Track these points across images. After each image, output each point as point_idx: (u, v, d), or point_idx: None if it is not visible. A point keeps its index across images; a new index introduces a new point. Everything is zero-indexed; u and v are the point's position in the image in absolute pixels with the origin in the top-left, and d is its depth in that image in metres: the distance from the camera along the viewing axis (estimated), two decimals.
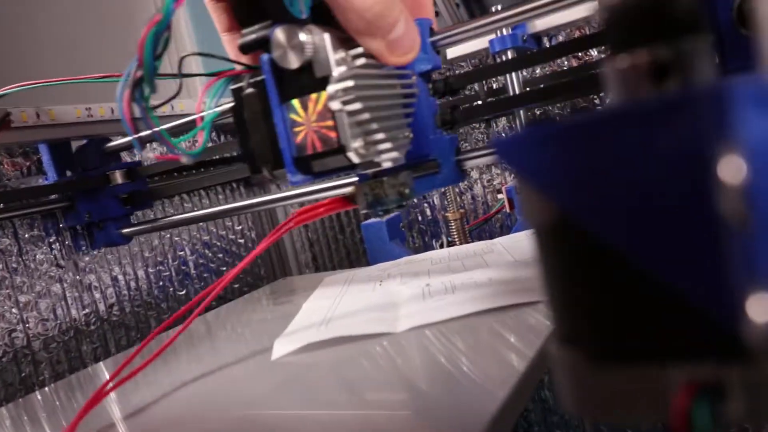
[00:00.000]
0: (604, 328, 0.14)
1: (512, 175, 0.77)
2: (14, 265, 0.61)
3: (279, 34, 0.30)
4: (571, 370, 0.15)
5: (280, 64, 0.31)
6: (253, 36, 0.32)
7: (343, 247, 0.97)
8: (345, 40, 0.32)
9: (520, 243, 0.57)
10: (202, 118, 0.32)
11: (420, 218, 0.88)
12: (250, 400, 0.35)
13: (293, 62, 0.30)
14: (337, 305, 0.50)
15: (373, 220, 0.75)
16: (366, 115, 0.31)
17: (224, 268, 0.86)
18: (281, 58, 0.31)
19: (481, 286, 0.44)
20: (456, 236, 0.75)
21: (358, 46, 0.32)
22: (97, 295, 0.69)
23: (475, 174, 0.82)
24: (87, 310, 0.68)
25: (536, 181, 0.15)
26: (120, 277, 0.71)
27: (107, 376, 0.49)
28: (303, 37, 0.30)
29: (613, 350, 0.14)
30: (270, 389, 0.36)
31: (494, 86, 0.78)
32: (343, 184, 0.47)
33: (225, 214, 0.55)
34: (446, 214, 0.76)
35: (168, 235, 0.76)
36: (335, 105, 0.31)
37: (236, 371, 0.41)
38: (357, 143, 0.31)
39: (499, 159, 0.16)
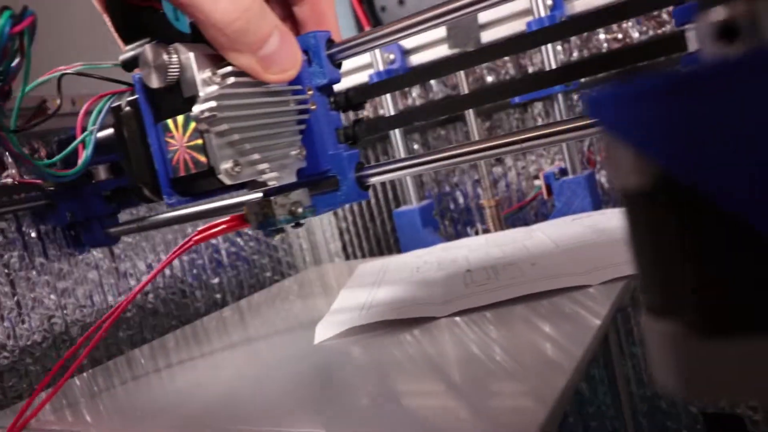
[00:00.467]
0: (715, 297, 0.13)
1: (551, 161, 0.75)
2: (53, 251, 0.61)
3: (147, 52, 0.30)
4: (674, 346, 0.14)
5: (146, 84, 0.30)
6: (131, 53, 0.32)
7: (374, 236, 0.97)
8: (220, 58, 0.31)
9: (561, 229, 0.55)
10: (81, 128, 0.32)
11: (452, 206, 0.86)
12: (292, 388, 0.35)
13: (155, 82, 0.30)
14: (376, 291, 0.48)
15: (405, 207, 0.73)
16: (235, 136, 0.31)
17: (255, 257, 0.86)
18: (146, 78, 0.30)
19: (524, 271, 0.43)
20: (491, 224, 0.73)
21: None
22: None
23: (509, 160, 0.81)
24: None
25: (635, 139, 0.14)
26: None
27: (143, 362, 0.49)
28: (166, 57, 0.29)
29: (727, 321, 0.13)
30: (314, 373, 0.36)
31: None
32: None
33: (217, 212, 0.48)
34: (480, 202, 0.75)
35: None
36: (201, 126, 0.30)
37: (278, 355, 0.41)
38: (227, 164, 0.30)
39: (591, 116, 0.14)
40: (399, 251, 0.79)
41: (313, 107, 0.36)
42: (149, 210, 0.65)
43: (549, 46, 0.60)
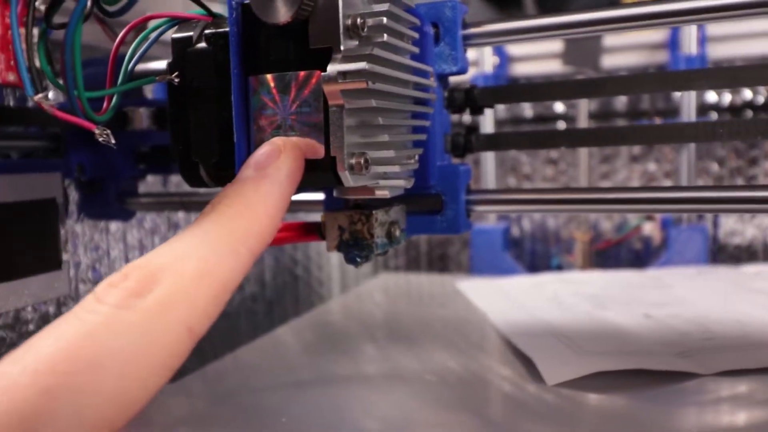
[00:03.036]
0: None
1: None
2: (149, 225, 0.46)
3: None
4: None
5: (258, 15, 0.20)
6: None
7: (411, 248, 0.81)
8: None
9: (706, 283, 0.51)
10: (113, 67, 0.21)
11: (528, 228, 0.76)
12: None
13: (282, 15, 0.20)
14: (546, 321, 0.43)
15: (484, 224, 0.68)
16: (378, 120, 0.21)
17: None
18: (264, 7, 0.20)
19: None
20: (579, 258, 0.66)
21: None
22: None
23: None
24: None
25: None
26: None
27: None
28: None
29: None
30: None
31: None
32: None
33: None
34: (574, 233, 0.67)
35: None
36: (335, 97, 0.20)
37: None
38: (354, 159, 0.20)
39: None
40: (444, 272, 0.74)
41: (433, 97, 0.27)
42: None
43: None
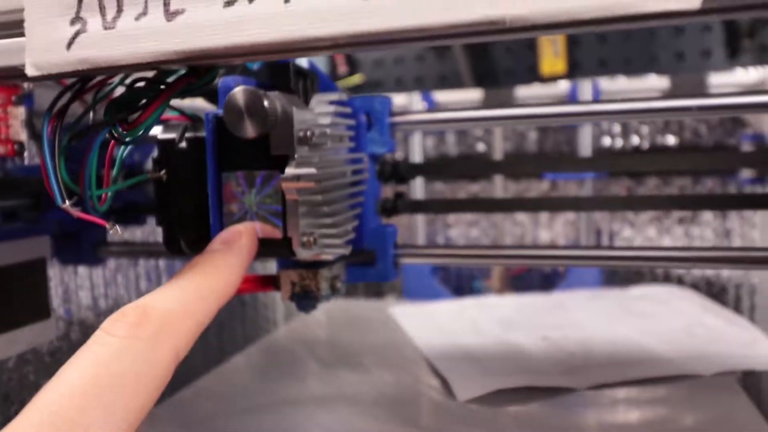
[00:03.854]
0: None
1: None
2: None
3: (238, 94, 0.25)
4: None
5: (231, 131, 0.25)
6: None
7: None
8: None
9: (607, 306, 0.59)
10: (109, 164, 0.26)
11: None
12: None
13: (250, 132, 0.25)
14: (463, 344, 0.50)
15: None
16: (325, 208, 0.28)
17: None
18: (234, 125, 0.25)
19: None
20: (497, 282, 0.73)
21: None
22: None
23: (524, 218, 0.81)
24: None
25: None
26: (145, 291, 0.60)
27: None
28: (267, 104, 0.25)
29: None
30: None
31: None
32: None
33: None
34: None
35: None
36: (291, 193, 0.26)
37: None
38: (306, 237, 0.27)
39: None
40: (379, 295, 0.80)
41: (367, 177, 0.34)
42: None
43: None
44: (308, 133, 0.26)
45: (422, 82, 0.92)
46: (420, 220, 0.74)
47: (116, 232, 0.24)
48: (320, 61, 0.97)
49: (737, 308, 0.70)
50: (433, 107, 0.73)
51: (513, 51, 0.90)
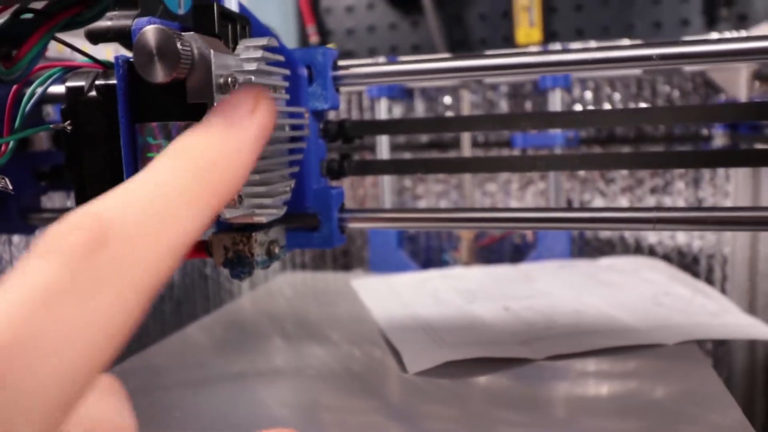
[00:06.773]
0: None
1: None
2: None
3: (148, 34, 0.22)
4: None
5: (141, 75, 0.23)
6: (108, 23, 0.24)
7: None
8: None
9: (566, 275, 0.58)
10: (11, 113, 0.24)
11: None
12: None
13: (158, 75, 0.22)
14: (421, 316, 0.48)
15: None
16: None
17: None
18: (144, 68, 0.23)
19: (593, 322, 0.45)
20: (465, 254, 0.72)
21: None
22: None
23: (496, 187, 0.79)
24: None
25: None
26: None
27: None
28: (180, 46, 0.22)
29: None
30: None
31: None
32: None
33: None
34: (460, 231, 0.73)
35: None
36: None
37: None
38: None
39: None
40: (347, 268, 0.78)
41: (306, 133, 0.31)
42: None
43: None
44: (230, 79, 0.24)
45: (396, 51, 0.89)
46: (386, 190, 0.72)
47: (5, 187, 0.21)
48: (290, 32, 0.94)
49: (709, 279, 0.70)
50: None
51: (488, 20, 0.88)
